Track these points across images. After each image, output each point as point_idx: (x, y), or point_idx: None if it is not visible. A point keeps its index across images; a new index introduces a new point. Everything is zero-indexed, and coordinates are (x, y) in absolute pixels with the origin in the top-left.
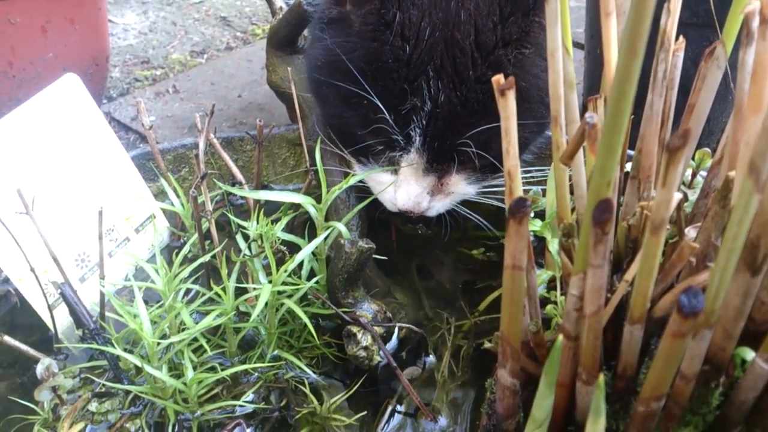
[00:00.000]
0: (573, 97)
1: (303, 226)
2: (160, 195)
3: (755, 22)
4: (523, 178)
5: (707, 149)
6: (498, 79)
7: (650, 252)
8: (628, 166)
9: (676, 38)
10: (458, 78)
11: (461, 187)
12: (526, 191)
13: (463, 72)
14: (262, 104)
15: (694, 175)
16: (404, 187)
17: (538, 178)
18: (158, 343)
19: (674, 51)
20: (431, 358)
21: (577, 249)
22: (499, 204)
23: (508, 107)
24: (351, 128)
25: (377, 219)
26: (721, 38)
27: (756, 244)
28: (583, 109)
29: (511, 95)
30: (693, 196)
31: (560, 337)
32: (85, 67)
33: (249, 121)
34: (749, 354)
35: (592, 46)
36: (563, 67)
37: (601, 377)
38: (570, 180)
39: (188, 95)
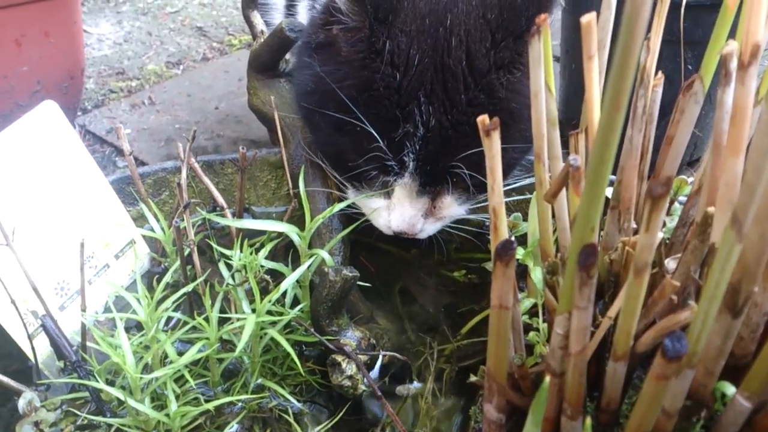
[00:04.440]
0: (555, 135)
1: (285, 249)
2: (139, 219)
3: (733, 64)
4: (506, 184)
5: (684, 177)
6: (483, 119)
7: (633, 293)
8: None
9: None
10: (449, 102)
11: (453, 210)
12: (508, 207)
13: (454, 96)
14: (239, 116)
15: (671, 202)
16: (398, 210)
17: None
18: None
19: (653, 86)
20: (415, 384)
21: (561, 288)
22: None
23: (493, 147)
24: (345, 155)
25: (365, 243)
26: (699, 73)
27: (737, 288)
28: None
29: (496, 135)
30: (671, 223)
31: (547, 378)
32: (60, 81)
33: (226, 134)
34: (729, 389)
35: (568, 60)
36: (545, 105)
37: (588, 421)
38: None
39: (164, 107)
